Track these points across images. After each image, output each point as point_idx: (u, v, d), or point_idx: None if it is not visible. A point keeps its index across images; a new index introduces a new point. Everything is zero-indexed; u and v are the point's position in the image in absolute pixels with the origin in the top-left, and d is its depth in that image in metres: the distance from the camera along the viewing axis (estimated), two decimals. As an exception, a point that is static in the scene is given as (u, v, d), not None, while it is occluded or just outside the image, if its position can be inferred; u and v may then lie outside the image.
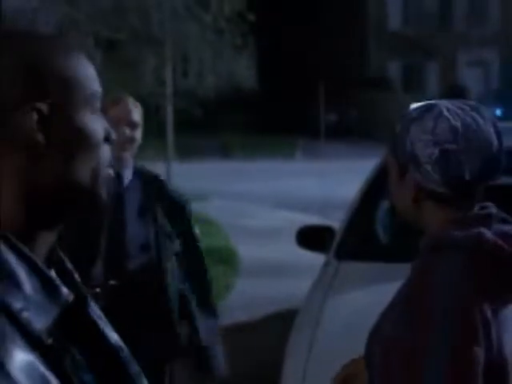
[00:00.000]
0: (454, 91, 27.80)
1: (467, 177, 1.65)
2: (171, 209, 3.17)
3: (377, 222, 4.08)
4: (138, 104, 3.14)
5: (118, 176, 3.09)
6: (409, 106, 1.82)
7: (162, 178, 3.28)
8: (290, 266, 8.47)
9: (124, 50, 9.42)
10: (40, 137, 0.96)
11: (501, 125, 1.76)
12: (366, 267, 3.69)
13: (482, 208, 1.70)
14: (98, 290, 2.95)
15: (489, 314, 1.57)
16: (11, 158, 0.95)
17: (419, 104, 1.75)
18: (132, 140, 3.09)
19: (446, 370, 1.54)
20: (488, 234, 1.62)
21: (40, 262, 0.94)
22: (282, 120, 30.48)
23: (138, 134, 3.12)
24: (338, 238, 3.91)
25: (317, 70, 31.63)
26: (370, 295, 3.38)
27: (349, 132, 27.72)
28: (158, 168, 2.89)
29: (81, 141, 0.99)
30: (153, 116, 10.19)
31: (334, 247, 3.86)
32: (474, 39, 33.08)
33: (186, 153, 21.46)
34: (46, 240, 0.99)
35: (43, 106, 0.96)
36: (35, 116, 0.96)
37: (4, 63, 0.96)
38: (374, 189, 4.11)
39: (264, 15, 10.07)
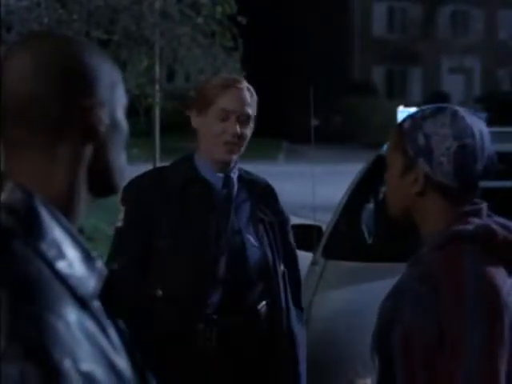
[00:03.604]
0: (437, 98, 27.99)
1: (478, 172, 1.76)
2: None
3: (362, 223, 4.20)
4: (252, 89, 2.47)
5: (228, 184, 2.48)
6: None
7: (273, 187, 2.63)
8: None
9: (116, 51, 9.49)
10: (102, 128, 1.10)
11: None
12: (352, 266, 3.79)
13: (474, 203, 1.80)
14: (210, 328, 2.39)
15: (505, 296, 1.69)
16: (75, 145, 1.09)
17: (425, 106, 1.84)
18: (243, 138, 2.43)
19: (482, 354, 1.64)
20: (494, 225, 1.74)
21: (78, 235, 1.06)
22: (265, 123, 30.53)
23: (250, 130, 2.46)
24: (325, 237, 4.02)
25: (302, 74, 31.72)
26: (355, 293, 3.49)
27: (332, 136, 27.83)
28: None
29: (120, 134, 1.14)
30: (142, 116, 10.27)
31: (321, 246, 3.96)
32: (457, 47, 33.32)
33: (173, 154, 21.47)
34: (79, 217, 1.11)
35: (98, 102, 1.10)
36: (97, 110, 1.10)
37: (57, 63, 1.09)
38: (360, 191, 4.24)
39: (252, 21, 10.17)
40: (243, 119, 2.42)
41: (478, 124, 1.78)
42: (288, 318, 2.52)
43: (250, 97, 2.44)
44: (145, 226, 2.42)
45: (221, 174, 2.47)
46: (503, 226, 1.75)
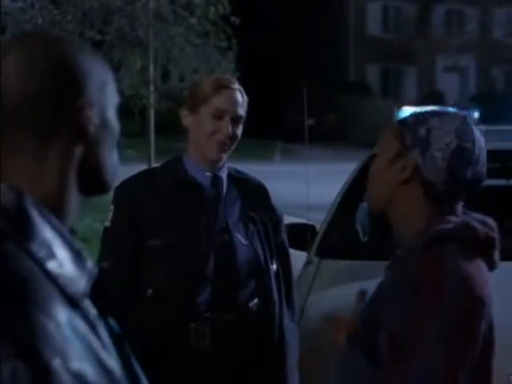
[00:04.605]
0: (432, 96, 28.03)
1: (467, 179, 1.74)
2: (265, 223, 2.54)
3: (357, 222, 4.21)
4: (243, 91, 2.49)
5: (217, 184, 2.50)
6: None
7: (265, 185, 2.63)
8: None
9: (109, 51, 9.52)
10: (92, 128, 1.11)
11: (479, 128, 1.89)
12: (346, 265, 3.80)
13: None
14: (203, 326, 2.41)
15: (486, 296, 1.68)
16: (65, 145, 1.10)
17: (433, 107, 1.87)
18: (234, 138, 2.46)
19: (442, 354, 1.61)
20: (473, 222, 1.73)
21: (69, 235, 1.06)
22: (261, 123, 30.62)
23: (240, 131, 2.48)
24: (319, 236, 4.02)
25: (297, 73, 31.74)
26: (350, 292, 3.48)
27: (327, 135, 27.86)
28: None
29: (111, 134, 1.15)
30: (136, 117, 10.29)
31: (315, 245, 3.96)
32: (452, 46, 33.38)
33: (168, 154, 21.48)
34: (70, 217, 1.11)
35: (88, 103, 1.10)
36: (87, 110, 1.10)
37: (47, 64, 1.09)
38: (354, 190, 4.25)
39: (245, 21, 10.22)
40: (236, 120, 2.45)
41: (480, 138, 1.78)
42: (280, 317, 2.53)
43: (241, 98, 2.47)
44: (136, 226, 2.44)
45: (210, 174, 2.49)
46: (482, 223, 1.75)
